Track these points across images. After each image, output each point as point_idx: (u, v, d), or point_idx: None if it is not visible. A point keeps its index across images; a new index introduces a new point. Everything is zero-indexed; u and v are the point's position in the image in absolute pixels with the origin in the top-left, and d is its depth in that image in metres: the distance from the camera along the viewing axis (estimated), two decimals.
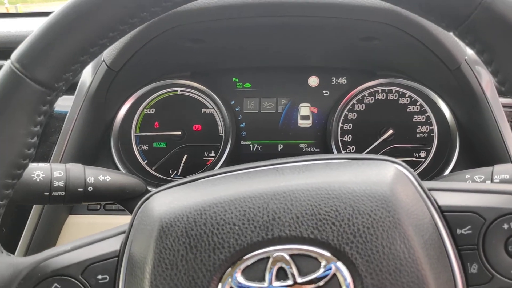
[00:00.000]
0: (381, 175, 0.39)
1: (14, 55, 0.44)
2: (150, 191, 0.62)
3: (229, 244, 0.36)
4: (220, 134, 0.94)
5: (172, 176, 0.92)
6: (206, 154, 0.94)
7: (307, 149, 0.94)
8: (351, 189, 0.37)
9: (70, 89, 0.56)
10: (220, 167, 0.90)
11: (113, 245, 0.46)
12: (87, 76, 0.77)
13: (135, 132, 0.92)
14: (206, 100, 0.93)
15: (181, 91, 0.93)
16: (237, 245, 0.36)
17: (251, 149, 0.96)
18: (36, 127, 0.46)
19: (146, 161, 0.92)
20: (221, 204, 0.38)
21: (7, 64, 0.43)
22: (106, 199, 0.64)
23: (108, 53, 0.73)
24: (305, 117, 0.94)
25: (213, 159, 0.93)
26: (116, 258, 0.45)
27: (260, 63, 0.94)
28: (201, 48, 0.86)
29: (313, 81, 0.94)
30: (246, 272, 0.36)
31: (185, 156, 0.92)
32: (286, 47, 0.89)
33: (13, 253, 0.59)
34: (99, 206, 0.81)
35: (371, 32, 0.74)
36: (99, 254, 0.46)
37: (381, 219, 0.36)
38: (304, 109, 0.94)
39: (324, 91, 0.93)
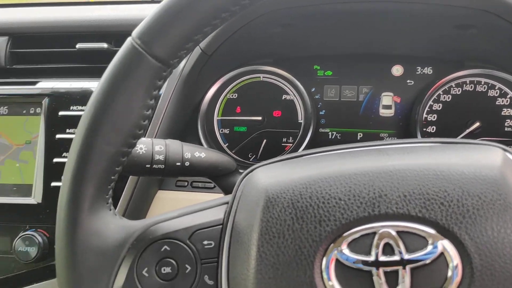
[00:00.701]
0: (490, 159, 0.38)
1: (136, 32, 0.47)
2: (240, 170, 0.65)
3: (335, 217, 0.38)
4: (299, 121, 0.95)
5: (251, 160, 0.95)
6: (284, 140, 0.95)
7: (388, 139, 0.93)
8: (460, 171, 0.37)
9: None
10: None
11: (217, 214, 0.49)
12: None
13: (218, 116, 0.96)
14: (287, 86, 0.95)
15: (263, 77, 0.96)
16: (343, 219, 0.38)
17: (330, 137, 0.96)
18: (151, 101, 0.49)
19: (227, 144, 0.96)
20: (326, 179, 0.40)
21: (128, 40, 0.47)
22: (200, 175, 0.67)
23: None
24: (387, 107, 0.93)
25: (291, 145, 0.95)
26: (221, 226, 0.48)
27: (342, 50, 0.94)
28: (284, 35, 0.88)
29: (397, 70, 0.92)
30: (351, 246, 0.37)
31: (265, 141, 0.95)
32: (370, 35, 0.88)
33: None
34: (186, 183, 0.85)
35: (468, 19, 0.72)
36: (205, 221, 0.49)
37: (492, 202, 0.36)
38: (387, 98, 0.92)
39: (408, 81, 0.92)
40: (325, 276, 0.37)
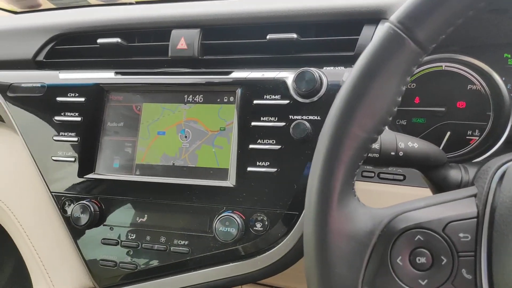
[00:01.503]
0: None
1: (395, 16, 0.46)
2: (449, 163, 0.61)
3: None
4: (487, 113, 0.88)
5: None
6: (469, 132, 0.90)
7: None
8: None
9: None
10: (498, 149, 0.85)
11: (467, 206, 0.47)
12: None
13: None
14: (473, 76, 0.89)
15: (445, 66, 0.90)
16: None
17: None
18: (404, 87, 0.48)
19: None
20: None
21: (386, 25, 0.46)
22: (411, 166, 0.65)
23: None
24: None
25: (477, 138, 0.89)
26: (475, 219, 0.46)
27: None
28: (477, 21, 0.82)
29: None
30: None
31: (449, 133, 0.90)
32: None
33: None
34: (373, 174, 0.84)
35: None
36: (457, 213, 0.47)
37: None
38: None
39: None
40: None
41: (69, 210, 0.90)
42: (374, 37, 0.45)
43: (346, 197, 0.49)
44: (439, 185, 0.65)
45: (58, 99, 0.95)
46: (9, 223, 1.01)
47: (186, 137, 0.87)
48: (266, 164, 0.79)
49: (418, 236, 0.47)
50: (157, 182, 0.86)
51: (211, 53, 0.91)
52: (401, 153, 0.63)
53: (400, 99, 0.48)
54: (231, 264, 0.79)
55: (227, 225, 0.77)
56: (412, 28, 0.45)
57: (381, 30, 0.48)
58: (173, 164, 0.87)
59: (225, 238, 0.77)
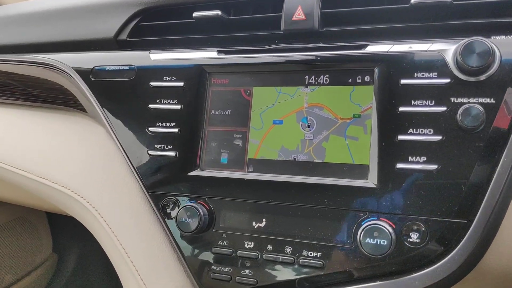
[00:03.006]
0: None
1: None
2: None
3: None
4: None
5: None
6: None
7: None
8: None
9: None
10: None
11: None
12: None
13: None
14: None
15: None
16: None
17: None
18: None
19: None
20: None
21: None
22: None
23: None
24: None
25: None
26: None
27: None
28: None
29: None
30: None
31: None
32: None
33: None
34: None
35: None
36: None
37: None
38: None
39: None
40: None
41: (172, 213, 0.77)
42: None
43: None
44: None
45: (152, 83, 0.81)
46: (92, 221, 0.90)
47: (309, 126, 0.73)
48: (422, 159, 0.64)
49: None
50: (277, 180, 0.72)
51: (334, 24, 0.75)
52: None
53: None
54: (378, 282, 0.65)
55: (375, 236, 0.63)
56: None
57: None
58: (294, 159, 0.73)
59: (374, 251, 0.63)
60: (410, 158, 0.64)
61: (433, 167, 0.63)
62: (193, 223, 0.73)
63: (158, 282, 0.80)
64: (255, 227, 0.73)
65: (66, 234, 2.02)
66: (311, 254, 0.68)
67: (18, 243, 1.78)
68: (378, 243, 0.62)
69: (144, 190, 0.81)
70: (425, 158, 0.63)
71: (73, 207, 0.92)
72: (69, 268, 2.03)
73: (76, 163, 0.92)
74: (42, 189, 0.96)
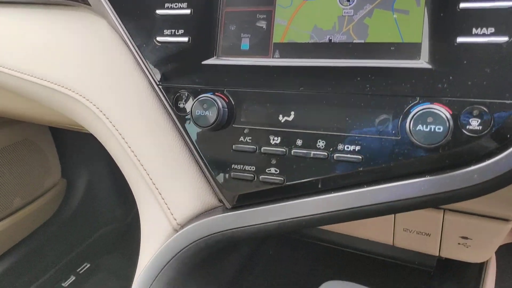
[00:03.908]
0: None
1: None
2: None
3: None
4: None
5: None
6: None
7: None
8: None
9: None
10: None
11: None
12: None
13: None
14: None
15: None
16: None
17: None
18: None
19: None
20: None
21: None
22: None
23: None
24: None
25: None
26: None
27: None
28: None
29: None
30: None
31: None
32: None
33: None
34: None
35: None
36: None
37: None
38: None
39: None
40: None
41: (187, 107, 0.67)
42: None
43: None
44: None
45: None
46: (100, 126, 0.81)
47: (348, 0, 0.61)
48: (490, 31, 0.52)
49: None
50: (309, 65, 0.61)
51: None
52: None
53: None
54: (429, 177, 0.55)
55: (429, 122, 0.53)
56: None
57: None
58: (330, 40, 0.61)
59: (427, 140, 0.53)
60: (474, 30, 0.53)
61: (503, 39, 0.51)
62: (211, 116, 0.63)
63: (172, 188, 0.72)
64: (282, 121, 0.63)
65: (75, 159, 1.96)
66: (348, 148, 0.59)
67: (25, 167, 1.72)
68: (433, 130, 0.53)
69: (154, 84, 0.70)
70: (492, 29, 0.52)
71: (77, 111, 0.83)
72: (79, 194, 1.99)
73: (77, 62, 0.82)
74: (42, 92, 0.87)
